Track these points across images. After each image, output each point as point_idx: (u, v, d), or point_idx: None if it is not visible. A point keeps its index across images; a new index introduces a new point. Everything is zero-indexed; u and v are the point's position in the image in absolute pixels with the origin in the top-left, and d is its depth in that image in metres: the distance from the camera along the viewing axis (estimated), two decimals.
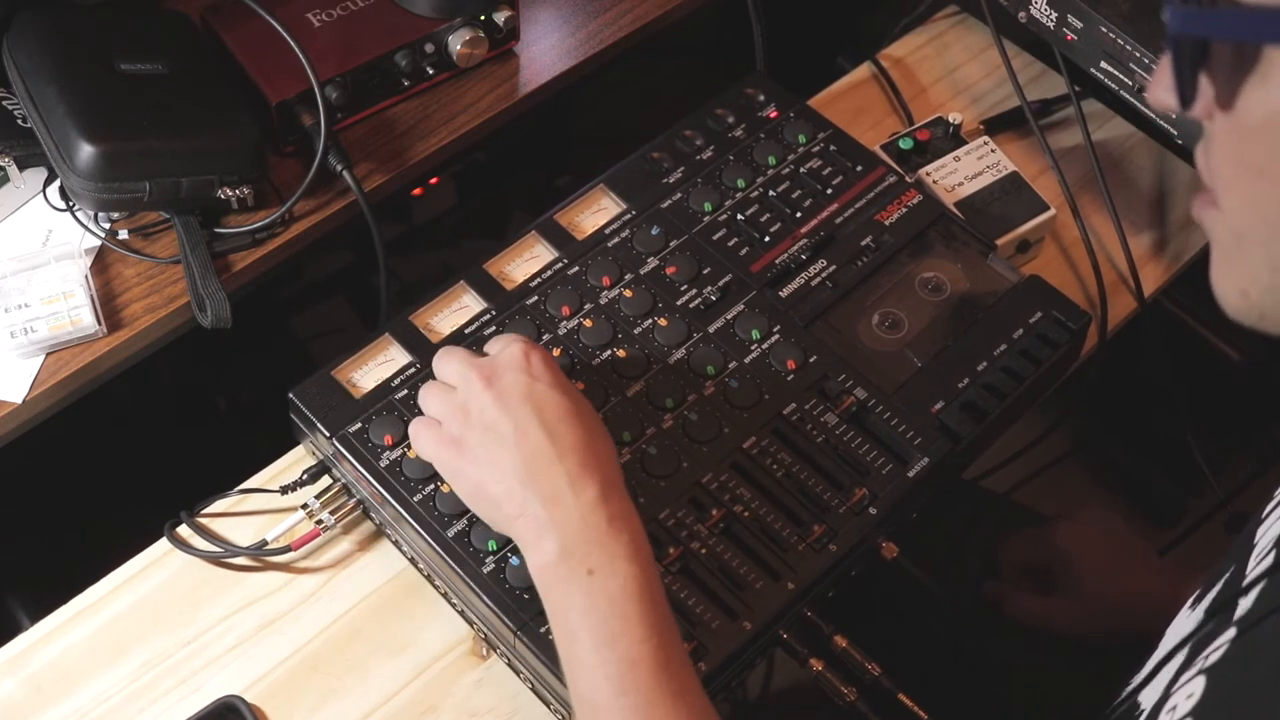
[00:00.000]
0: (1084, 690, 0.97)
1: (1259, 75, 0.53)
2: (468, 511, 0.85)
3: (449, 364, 0.82)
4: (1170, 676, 0.68)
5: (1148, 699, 0.70)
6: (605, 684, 0.71)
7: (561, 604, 0.74)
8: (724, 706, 0.86)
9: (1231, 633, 0.63)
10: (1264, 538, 0.69)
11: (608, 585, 0.73)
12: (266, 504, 0.93)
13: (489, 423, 0.78)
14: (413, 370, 0.91)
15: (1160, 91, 0.57)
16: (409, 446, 0.88)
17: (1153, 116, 1.03)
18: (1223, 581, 0.71)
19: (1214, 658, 0.63)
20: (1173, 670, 0.69)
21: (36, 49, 0.98)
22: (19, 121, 1.00)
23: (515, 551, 0.84)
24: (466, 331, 0.93)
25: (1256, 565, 0.67)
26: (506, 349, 0.80)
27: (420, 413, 0.84)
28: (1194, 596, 0.76)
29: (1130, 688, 0.79)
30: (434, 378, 0.84)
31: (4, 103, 1.01)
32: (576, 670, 0.73)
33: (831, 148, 1.05)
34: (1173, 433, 1.35)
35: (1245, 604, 0.65)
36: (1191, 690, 0.63)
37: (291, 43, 0.99)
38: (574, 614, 0.73)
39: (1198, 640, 0.69)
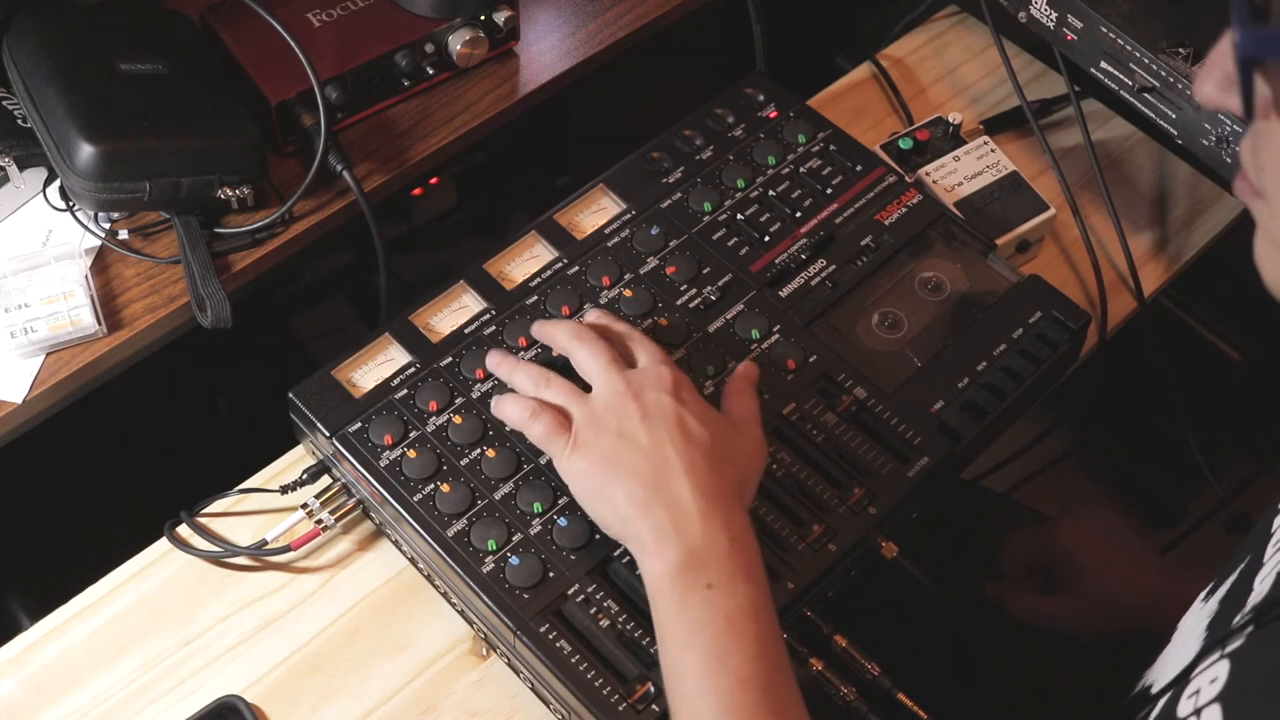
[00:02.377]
0: (1086, 689, 0.97)
1: None
2: (468, 511, 0.86)
3: (587, 351, 0.82)
4: (1187, 663, 0.68)
5: (1166, 689, 0.70)
6: (713, 698, 0.71)
7: (676, 614, 0.73)
8: None
9: (1254, 623, 0.63)
10: None
11: (726, 602, 0.72)
12: (266, 504, 0.93)
13: (626, 429, 0.78)
14: (412, 370, 0.91)
15: (1209, 88, 0.57)
16: (409, 446, 0.88)
17: (1152, 116, 1.03)
18: (1237, 572, 0.71)
19: (1236, 643, 0.63)
20: (1189, 657, 0.69)
21: (36, 49, 0.98)
22: (19, 121, 1.00)
23: (515, 551, 0.84)
24: (466, 331, 0.93)
25: (1275, 552, 0.67)
26: (657, 370, 0.81)
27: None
28: (1206, 589, 0.76)
29: (1145, 682, 0.79)
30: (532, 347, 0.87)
31: (4, 103, 1.01)
32: (684, 682, 0.73)
33: (831, 147, 1.05)
34: (1173, 433, 1.35)
35: (1263, 589, 0.65)
36: (1215, 675, 0.63)
37: (291, 43, 0.99)
38: (688, 626, 0.73)
39: (1215, 626, 0.69)
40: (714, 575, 0.73)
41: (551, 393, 0.82)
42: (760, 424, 0.83)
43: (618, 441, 0.78)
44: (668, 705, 0.75)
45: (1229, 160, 0.98)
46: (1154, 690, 0.74)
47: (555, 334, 0.86)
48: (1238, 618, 0.66)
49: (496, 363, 0.88)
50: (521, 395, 0.84)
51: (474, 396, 0.90)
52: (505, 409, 0.84)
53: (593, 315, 0.88)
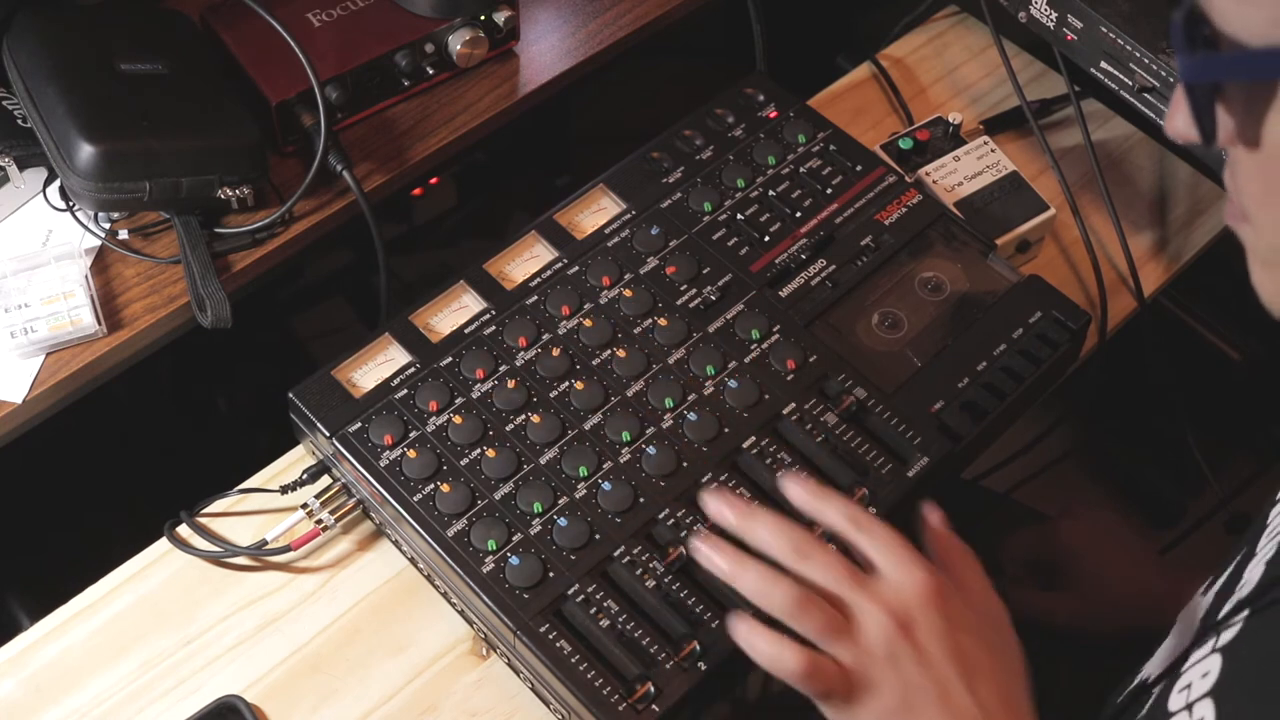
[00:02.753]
0: (1087, 687, 0.97)
1: (1277, 108, 0.54)
2: (468, 511, 0.86)
3: (828, 571, 0.70)
4: (1178, 654, 0.68)
5: (1157, 681, 0.70)
6: None
7: None
8: (724, 707, 0.86)
9: (1245, 611, 0.63)
10: (1277, 518, 0.70)
11: None
12: (266, 504, 0.93)
13: (910, 678, 0.68)
14: (412, 370, 0.91)
15: (1179, 123, 0.58)
16: (409, 446, 0.88)
17: (1152, 116, 1.03)
18: (1233, 565, 0.72)
19: (1228, 635, 0.63)
20: (1181, 648, 0.69)
21: (36, 49, 0.98)
22: (19, 121, 1.00)
23: (515, 551, 0.84)
24: (466, 331, 0.93)
25: (1268, 543, 0.68)
26: (912, 578, 0.70)
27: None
28: (1205, 584, 0.76)
29: (1142, 675, 0.79)
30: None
31: (4, 103, 1.01)
32: None
33: (831, 147, 1.05)
34: (1173, 433, 1.35)
35: (1253, 578, 0.65)
36: (1207, 669, 0.63)
37: (291, 43, 0.99)
38: None
39: (1209, 618, 0.70)
40: None
41: (813, 631, 0.69)
42: (992, 589, 0.74)
43: (903, 694, 0.68)
44: None
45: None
46: (1150, 682, 0.74)
47: (764, 537, 0.72)
48: (1227, 606, 0.66)
49: (719, 565, 0.73)
50: (782, 637, 0.70)
51: (474, 396, 0.90)
52: (762, 650, 0.70)
53: (794, 490, 0.74)
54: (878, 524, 0.72)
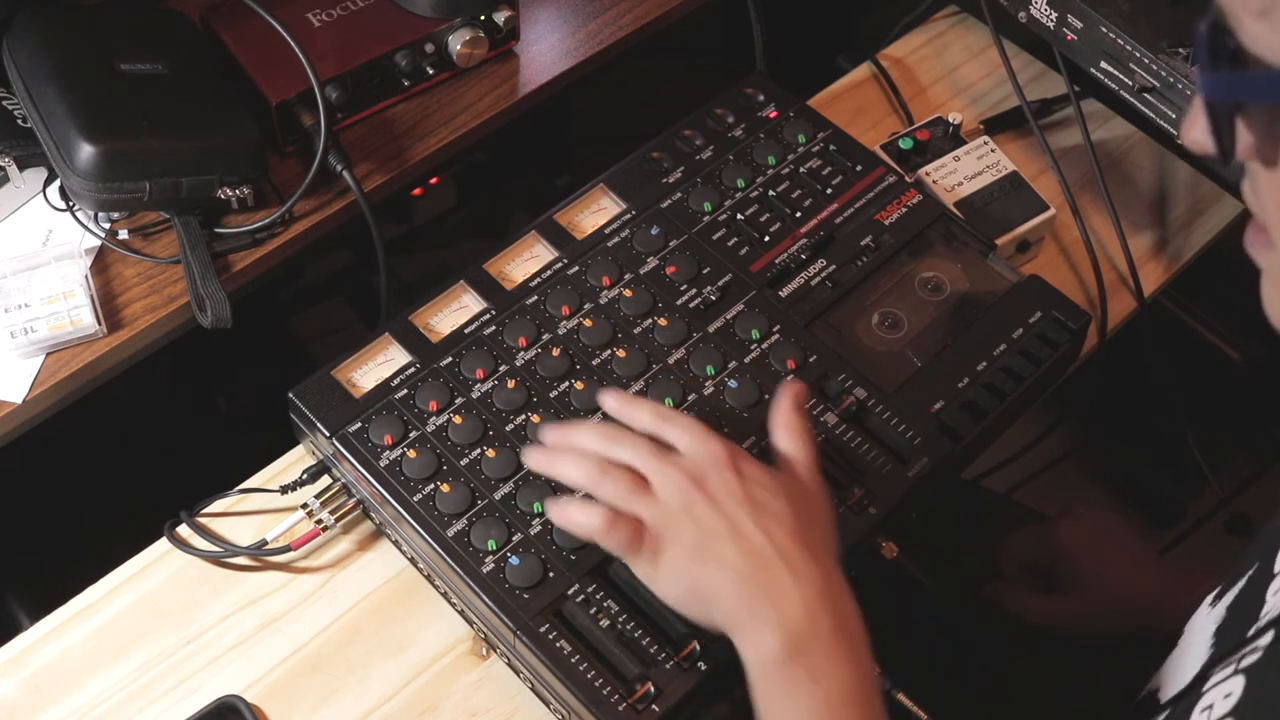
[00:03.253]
0: (1085, 689, 0.97)
1: None
2: (468, 511, 0.86)
3: (628, 449, 0.78)
4: (1197, 671, 0.68)
5: (1175, 699, 0.70)
6: None
7: (778, 704, 0.72)
8: (724, 707, 0.86)
9: (1270, 635, 0.63)
10: None
11: (830, 691, 0.71)
12: (266, 504, 0.93)
13: (704, 522, 0.74)
14: (412, 370, 0.91)
15: (1196, 134, 0.57)
16: (409, 446, 0.88)
17: (1152, 116, 1.03)
18: (1246, 579, 0.71)
19: (1251, 659, 0.63)
20: (1198, 665, 0.69)
21: (36, 49, 0.98)
22: (19, 121, 1.00)
23: (515, 551, 0.84)
24: (466, 331, 0.93)
25: None
26: (706, 448, 0.77)
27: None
28: (1214, 594, 0.76)
29: (1152, 686, 0.79)
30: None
31: (4, 103, 1.01)
32: None
33: (831, 147, 1.05)
34: (1173, 433, 1.35)
35: (1277, 602, 0.65)
36: (1230, 690, 0.63)
37: (291, 43, 0.99)
38: (790, 714, 0.72)
39: (1224, 634, 0.69)
40: (817, 663, 0.71)
41: (612, 494, 0.77)
42: (818, 466, 0.79)
43: (700, 539, 0.74)
44: None
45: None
46: (1162, 699, 0.74)
47: (582, 440, 0.79)
48: (1251, 630, 0.66)
49: (540, 461, 0.81)
50: (589, 502, 0.77)
51: (474, 396, 0.90)
52: (571, 517, 0.77)
53: (608, 400, 0.83)
54: (681, 415, 0.80)
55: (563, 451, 0.79)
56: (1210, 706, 0.64)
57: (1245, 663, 0.63)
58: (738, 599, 0.73)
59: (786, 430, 0.80)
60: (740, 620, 0.73)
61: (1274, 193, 0.57)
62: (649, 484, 0.76)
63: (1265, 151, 0.55)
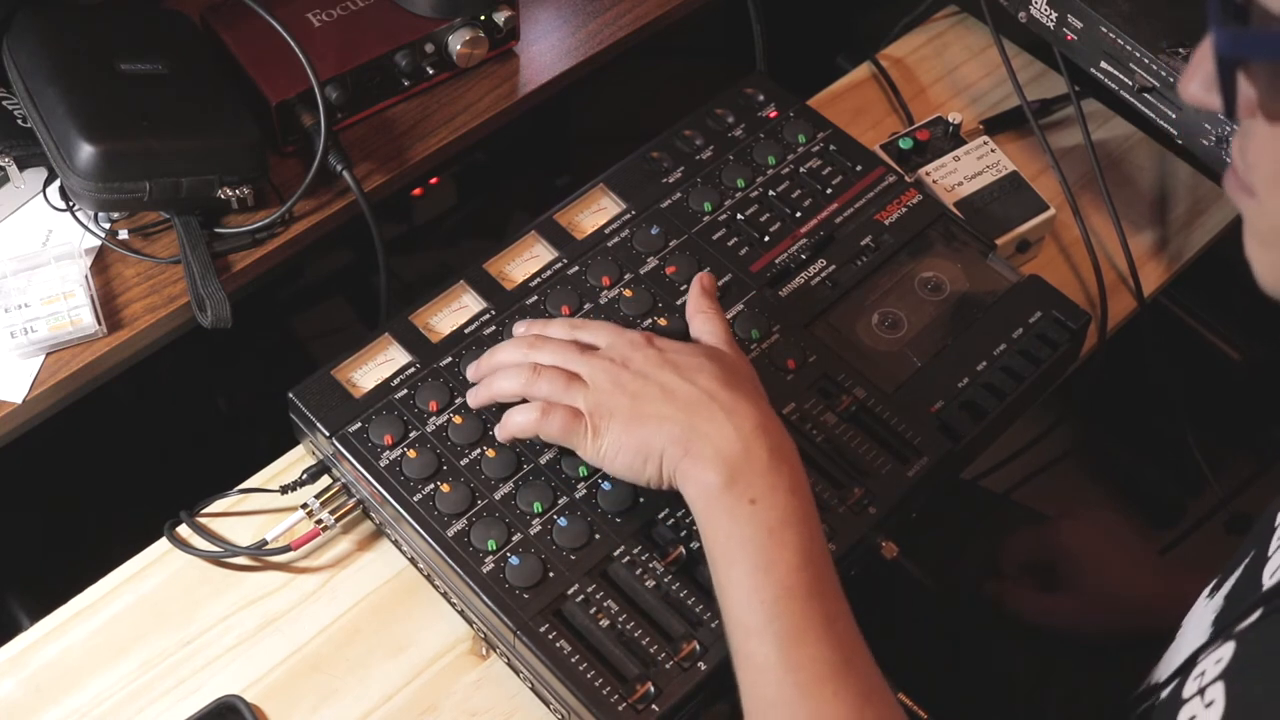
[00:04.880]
0: (1085, 688, 0.97)
1: None
2: (468, 511, 0.86)
3: (558, 353, 0.84)
4: (1193, 651, 0.68)
5: (1172, 677, 0.70)
6: (760, 609, 0.73)
7: (722, 532, 0.75)
8: (724, 706, 0.86)
9: (1262, 609, 0.63)
10: None
11: (769, 515, 0.75)
12: (266, 504, 0.93)
13: (635, 391, 0.80)
14: (412, 370, 0.91)
15: (1194, 87, 0.57)
16: (409, 446, 0.88)
17: (1152, 116, 1.03)
18: (1243, 567, 0.72)
19: (1242, 626, 0.63)
20: (1195, 647, 0.69)
21: (36, 49, 0.98)
22: (19, 121, 1.00)
23: (515, 551, 0.84)
24: (466, 331, 0.93)
25: (1279, 545, 0.68)
26: (621, 337, 0.83)
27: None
28: (1211, 585, 0.76)
29: (1150, 681, 0.79)
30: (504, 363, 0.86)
31: (4, 103, 1.01)
32: (732, 594, 0.75)
33: (831, 147, 1.05)
34: (1173, 433, 1.35)
35: (1270, 580, 0.65)
36: (1220, 655, 0.63)
37: (291, 43, 0.99)
38: (734, 541, 0.75)
39: (1221, 620, 0.70)
40: (757, 491, 0.75)
41: (547, 389, 0.82)
42: (733, 341, 0.85)
43: (634, 405, 0.79)
44: (723, 623, 0.76)
45: (1229, 160, 0.98)
46: (1155, 686, 0.74)
47: (505, 356, 0.86)
48: (1243, 611, 0.66)
49: (477, 393, 0.88)
50: (525, 405, 0.84)
51: None
52: (512, 421, 0.84)
53: (519, 327, 0.89)
54: (593, 321, 0.87)
55: (494, 372, 0.86)
56: (1203, 673, 0.64)
57: (1236, 629, 0.64)
58: (677, 445, 0.77)
59: (699, 314, 0.87)
60: (682, 464, 0.77)
61: (1265, 150, 0.57)
62: (579, 377, 0.82)
63: (1267, 108, 0.55)
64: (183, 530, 0.92)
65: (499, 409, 0.90)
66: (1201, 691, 0.63)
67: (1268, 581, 0.66)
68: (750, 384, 0.81)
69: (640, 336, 0.83)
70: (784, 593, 0.73)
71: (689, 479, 0.77)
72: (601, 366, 0.81)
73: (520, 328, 0.90)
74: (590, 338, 0.85)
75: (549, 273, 0.97)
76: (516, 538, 0.85)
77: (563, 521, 0.85)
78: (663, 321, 0.94)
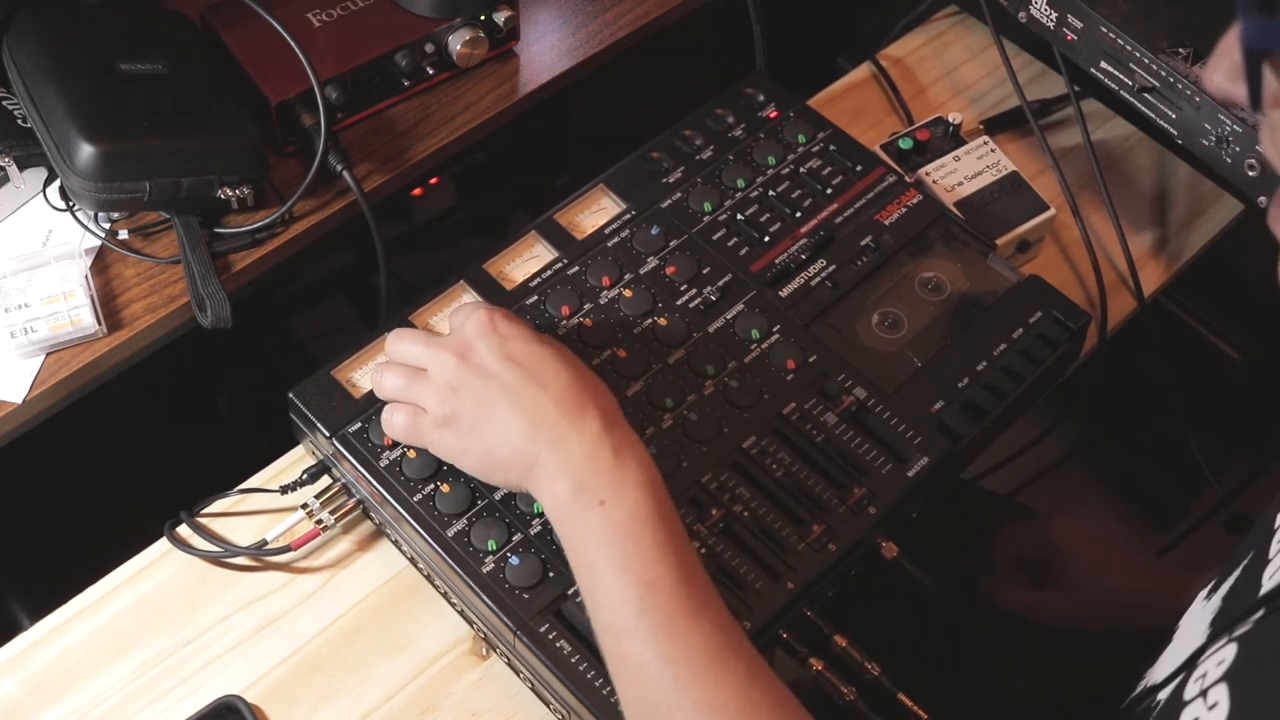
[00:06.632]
0: (1082, 688, 0.98)
1: None
2: (468, 511, 0.86)
3: (411, 347, 0.84)
4: (1192, 653, 0.68)
5: (1172, 677, 0.70)
6: (626, 607, 0.73)
7: (578, 538, 0.75)
8: None
9: (1263, 610, 0.63)
10: None
11: (619, 514, 0.74)
12: (266, 504, 0.93)
13: (477, 392, 0.79)
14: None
15: (1218, 78, 0.56)
16: (409, 446, 0.88)
17: (1152, 116, 1.03)
18: (1240, 569, 0.72)
19: (1244, 628, 0.63)
20: (1192, 647, 0.69)
21: (36, 49, 0.98)
22: (19, 121, 1.00)
23: (515, 551, 0.84)
24: None
25: (1279, 548, 0.68)
26: (469, 320, 0.82)
27: (378, 402, 0.87)
28: (1208, 588, 0.76)
29: (1147, 682, 0.79)
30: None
31: (4, 103, 1.01)
32: (599, 598, 0.74)
33: (831, 147, 1.05)
34: (1173, 433, 1.35)
35: (1272, 584, 0.65)
36: (1223, 657, 0.63)
37: (291, 43, 0.99)
38: (591, 545, 0.75)
39: (1220, 621, 0.70)
40: (605, 492, 0.75)
41: (398, 389, 0.83)
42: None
43: (477, 407, 0.79)
44: (595, 636, 0.76)
45: (1229, 160, 0.98)
46: (1153, 687, 0.74)
47: (382, 357, 0.88)
48: (1244, 613, 0.66)
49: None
50: (390, 408, 0.85)
51: None
52: (385, 425, 0.85)
53: (391, 338, 0.88)
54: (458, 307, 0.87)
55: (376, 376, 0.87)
56: (1204, 675, 0.64)
57: (1237, 632, 0.64)
58: (522, 456, 0.78)
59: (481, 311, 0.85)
60: (531, 475, 0.78)
61: None
62: (423, 371, 0.82)
63: None
64: (183, 530, 0.92)
65: None
66: (1204, 693, 0.63)
67: (1268, 584, 0.66)
68: (584, 375, 0.80)
69: (485, 316, 0.82)
70: (647, 588, 0.73)
71: (539, 489, 0.78)
72: (443, 360, 0.81)
73: (391, 337, 0.89)
74: (452, 321, 0.85)
75: (549, 273, 0.97)
76: (516, 538, 0.85)
77: None
78: (663, 322, 0.94)
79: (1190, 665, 0.67)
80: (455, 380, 0.80)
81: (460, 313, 0.84)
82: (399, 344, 0.85)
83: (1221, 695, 0.61)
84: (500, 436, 0.78)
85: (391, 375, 0.84)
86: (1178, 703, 0.66)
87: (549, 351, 0.80)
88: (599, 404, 0.78)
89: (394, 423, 0.84)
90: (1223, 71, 0.56)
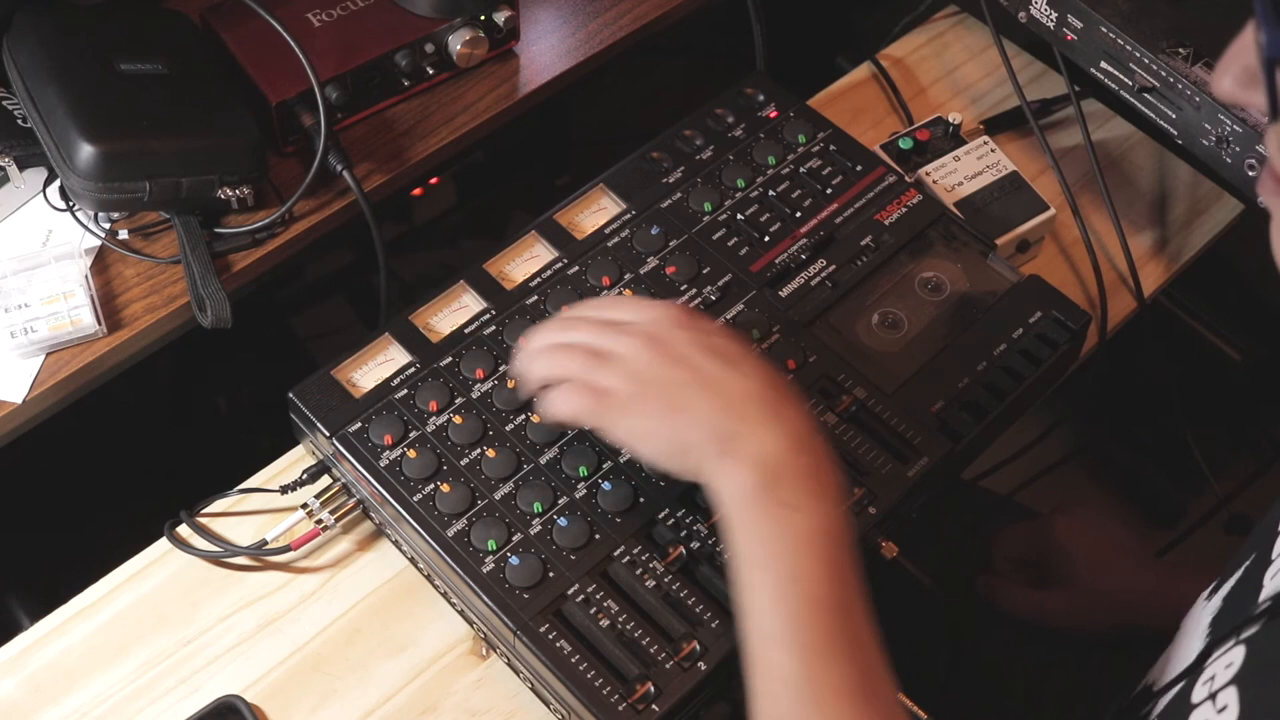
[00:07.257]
0: (1082, 687, 0.98)
1: None
2: (468, 511, 0.86)
3: (593, 332, 0.80)
4: (1193, 659, 0.68)
5: (1177, 680, 0.70)
6: (786, 619, 0.71)
7: (752, 535, 0.73)
8: (724, 706, 0.86)
9: (1268, 610, 0.63)
10: None
11: (805, 524, 0.72)
12: (266, 504, 0.93)
13: (674, 379, 0.76)
14: (412, 370, 0.91)
15: (1228, 83, 0.57)
16: (409, 446, 0.88)
17: (1152, 117, 1.03)
18: (1242, 570, 0.72)
19: (1251, 630, 0.63)
20: (1193, 654, 0.69)
21: (36, 49, 0.98)
22: (19, 121, 1.00)
23: (515, 551, 0.84)
24: (466, 331, 0.93)
25: None
26: (656, 311, 0.80)
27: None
28: (1210, 588, 0.76)
29: (1146, 681, 0.79)
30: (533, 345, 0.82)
31: (4, 103, 1.01)
32: (757, 599, 0.72)
33: (831, 147, 1.05)
34: (1173, 433, 1.35)
35: (1275, 585, 0.65)
36: (1230, 660, 0.63)
37: (291, 43, 0.99)
38: (765, 545, 0.72)
39: (1221, 621, 0.70)
40: (795, 497, 0.73)
41: (575, 369, 0.79)
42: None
43: (666, 392, 0.76)
44: (742, 626, 0.73)
45: (1229, 160, 0.98)
46: (1156, 688, 0.74)
47: (540, 340, 0.82)
48: (1253, 609, 0.66)
49: (518, 375, 0.84)
50: (562, 387, 0.80)
51: (474, 396, 0.90)
52: (544, 405, 0.80)
53: (559, 322, 0.85)
54: (617, 297, 0.85)
55: (531, 358, 0.82)
56: (1212, 678, 0.64)
57: (1245, 634, 0.64)
58: (715, 442, 0.74)
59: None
60: (717, 462, 0.74)
61: None
62: (610, 354, 0.78)
63: None
64: (183, 530, 0.92)
65: (502, 413, 0.90)
66: (1213, 696, 0.63)
67: (1271, 585, 0.66)
68: (793, 388, 0.78)
69: (683, 314, 0.79)
70: (812, 605, 0.71)
71: (724, 478, 0.74)
72: (636, 343, 0.78)
73: (523, 341, 0.86)
74: (623, 313, 0.81)
75: (549, 273, 0.97)
76: (516, 538, 0.85)
77: (563, 521, 0.85)
78: None
79: (1197, 667, 0.67)
80: (650, 365, 0.77)
81: (636, 304, 0.82)
82: (565, 330, 0.81)
83: (1231, 698, 0.61)
84: (694, 419, 0.75)
85: (568, 358, 0.79)
86: (1185, 705, 0.66)
87: (750, 349, 0.79)
88: (800, 407, 0.76)
89: (573, 403, 0.78)
90: (1233, 76, 0.56)
